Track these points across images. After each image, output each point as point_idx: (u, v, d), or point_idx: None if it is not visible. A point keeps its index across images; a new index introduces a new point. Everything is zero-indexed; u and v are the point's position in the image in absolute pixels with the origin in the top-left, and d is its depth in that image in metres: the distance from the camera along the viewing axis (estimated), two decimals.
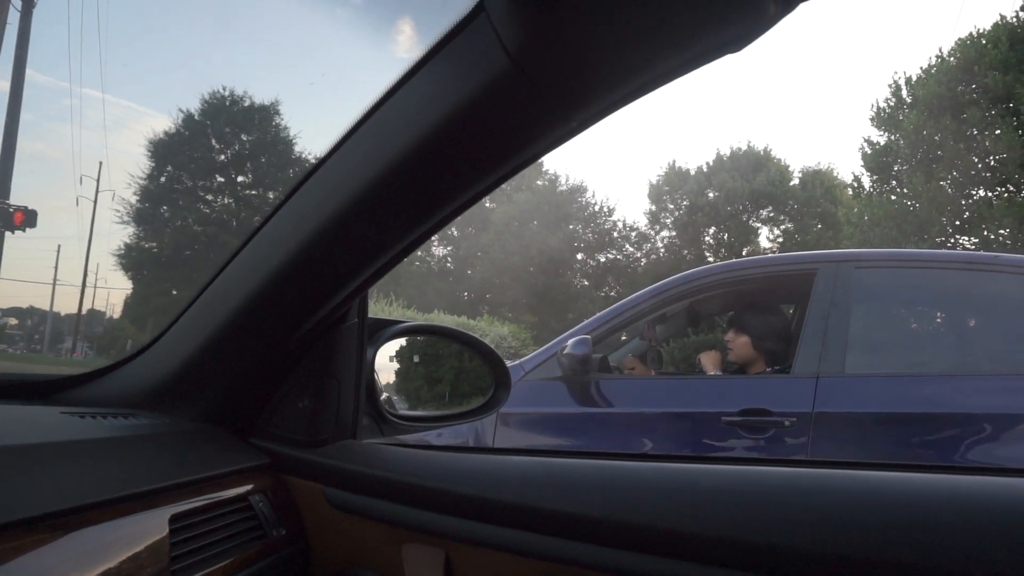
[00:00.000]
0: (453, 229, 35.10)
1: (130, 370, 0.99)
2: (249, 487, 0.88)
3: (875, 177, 20.69)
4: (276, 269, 0.84)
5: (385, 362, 1.13)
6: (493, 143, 0.69)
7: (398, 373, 1.22)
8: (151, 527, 0.70)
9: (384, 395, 1.13)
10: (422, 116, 0.68)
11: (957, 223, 18.49)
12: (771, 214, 33.09)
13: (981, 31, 17.85)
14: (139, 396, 0.95)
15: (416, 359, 1.28)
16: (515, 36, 0.58)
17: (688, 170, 34.19)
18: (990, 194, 17.85)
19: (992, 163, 17.43)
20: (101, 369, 1.01)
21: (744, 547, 0.68)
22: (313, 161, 0.81)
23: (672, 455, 0.83)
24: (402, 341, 1.19)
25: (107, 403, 0.95)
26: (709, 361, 3.38)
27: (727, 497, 0.72)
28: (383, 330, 1.07)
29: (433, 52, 0.65)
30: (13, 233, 12.17)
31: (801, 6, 0.56)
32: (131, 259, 32.55)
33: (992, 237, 17.42)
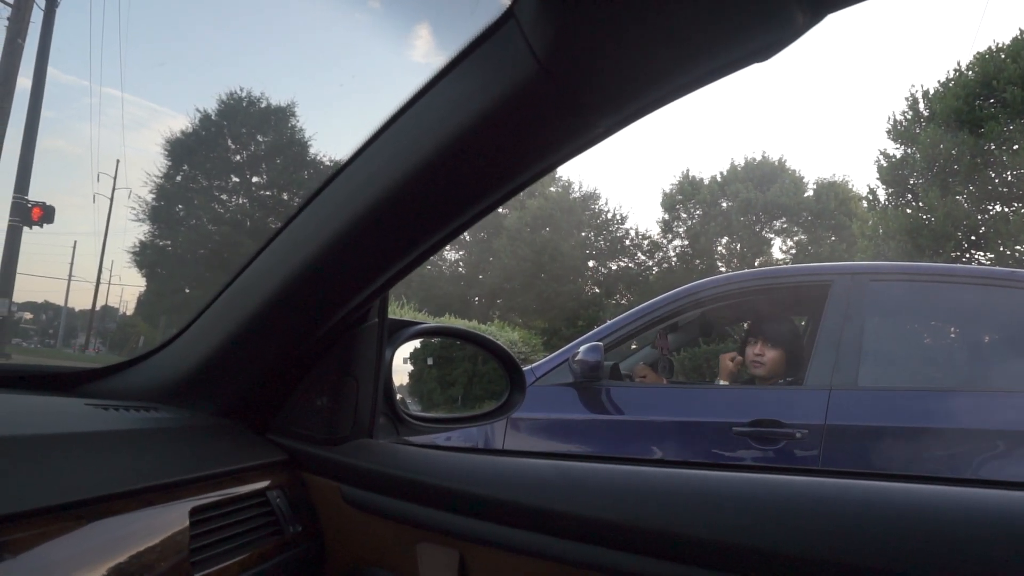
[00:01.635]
0: (465, 234, 35.06)
1: (152, 364, 1.00)
2: (267, 483, 0.88)
3: (890, 190, 20.53)
4: (299, 267, 0.85)
5: (399, 364, 1.14)
6: (519, 147, 0.70)
7: (411, 375, 1.23)
8: (172, 519, 0.71)
9: (398, 396, 1.13)
10: (449, 119, 0.69)
11: (973, 238, 18.32)
12: (784, 225, 32.92)
13: (1000, 45, 17.71)
14: (161, 390, 0.97)
15: (430, 362, 1.29)
16: (544, 41, 0.59)
17: (702, 179, 34.09)
18: (1007, 209, 17.68)
19: (1009, 178, 17.28)
20: (124, 363, 1.02)
21: (757, 554, 0.68)
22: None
23: (687, 461, 0.83)
24: (416, 343, 1.20)
25: (129, 396, 0.96)
26: (726, 367, 3.29)
27: (741, 504, 0.72)
28: (401, 331, 1.08)
29: (461, 57, 0.66)
30: (31, 228, 12.30)
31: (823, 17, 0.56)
32: (145, 257, 32.82)
33: (1008, 253, 17.24)
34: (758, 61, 0.59)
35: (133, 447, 0.76)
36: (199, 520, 0.74)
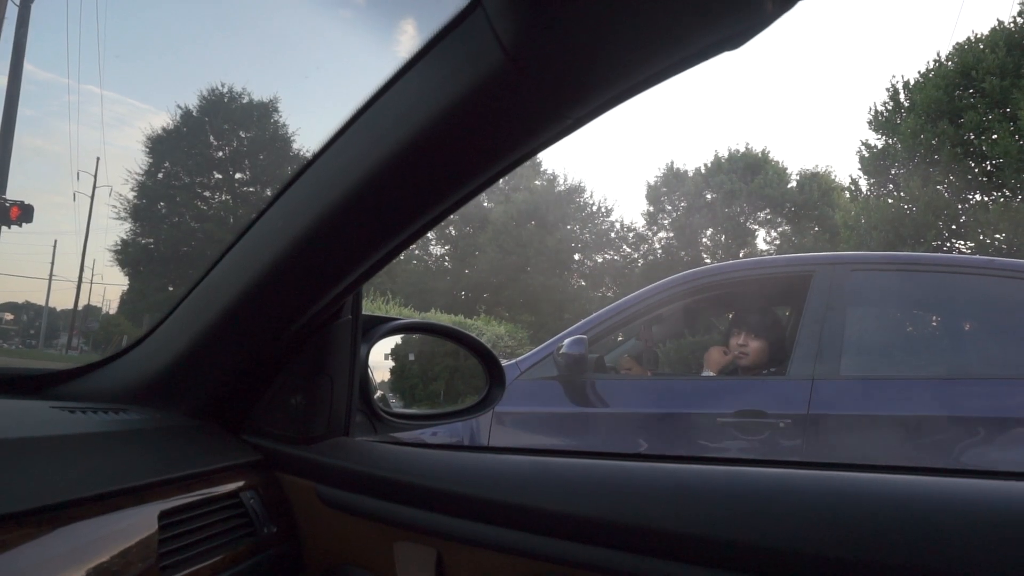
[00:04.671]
0: (451, 228, 35.10)
1: (121, 365, 0.98)
2: (240, 484, 0.87)
3: (872, 180, 20.71)
4: (269, 264, 0.83)
5: (380, 360, 1.13)
6: (488, 139, 0.69)
7: (393, 371, 1.22)
8: (140, 523, 0.69)
9: (379, 393, 1.12)
10: (417, 112, 0.67)
11: (953, 227, 18.53)
12: (768, 216, 33.14)
13: (979, 36, 17.89)
14: (130, 391, 0.95)
15: (411, 357, 1.28)
16: (511, 32, 0.58)
17: (686, 171, 34.25)
18: (986, 199, 17.89)
19: (989, 168, 17.47)
20: (92, 364, 1.00)
21: (739, 548, 0.68)
22: (309, 157, 0.81)
23: (667, 455, 0.82)
24: (397, 339, 1.19)
25: (98, 398, 0.94)
26: (712, 361, 3.30)
27: (722, 498, 0.72)
28: (377, 327, 1.07)
29: (428, 47, 0.65)
30: (9, 228, 12.13)
31: (799, 6, 0.56)
32: (128, 255, 32.54)
33: (988, 241, 17.45)
34: (729, 49, 0.58)
35: (100, 450, 0.75)
36: (169, 524, 0.72)
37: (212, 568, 0.76)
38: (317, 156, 0.79)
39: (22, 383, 0.98)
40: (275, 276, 0.84)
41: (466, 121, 0.66)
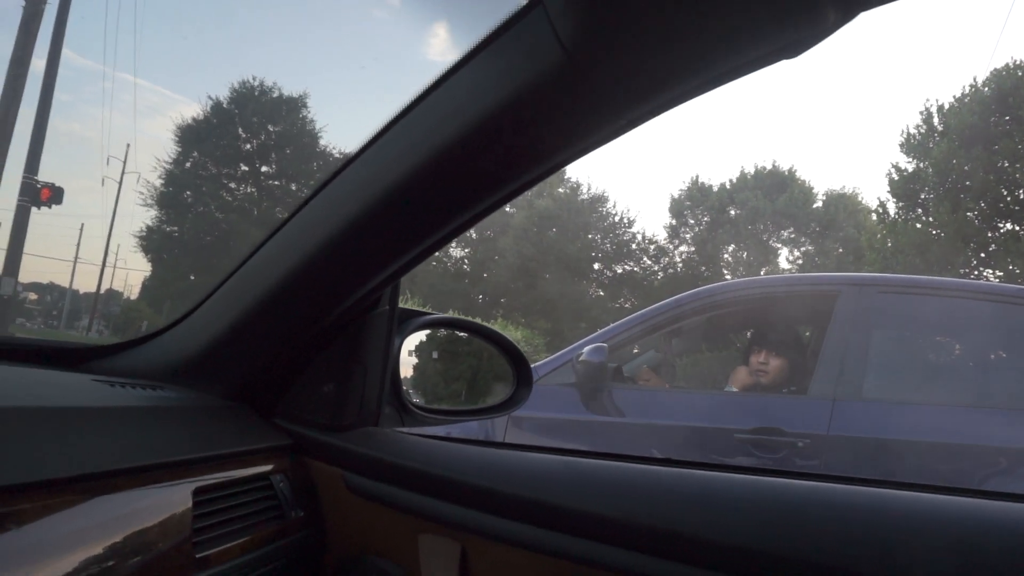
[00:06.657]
0: (472, 231, 35.15)
1: (160, 343, 1.00)
2: (271, 467, 0.88)
3: (901, 204, 20.48)
4: (313, 251, 0.84)
5: (404, 356, 1.13)
6: (541, 137, 0.69)
7: (416, 368, 1.23)
8: (176, 498, 0.71)
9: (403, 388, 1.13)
10: (470, 107, 0.68)
11: (982, 255, 18.26)
12: (792, 235, 32.86)
13: (1018, 62, 17.66)
14: (168, 369, 0.96)
15: (435, 355, 1.28)
16: (572, 30, 0.58)
17: (711, 186, 34.06)
18: (1018, 228, 17.62)
19: (1022, 196, 17.21)
20: (131, 341, 1.02)
21: (760, 557, 0.67)
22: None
23: (694, 462, 0.82)
24: (422, 336, 1.19)
25: (136, 375, 0.96)
26: (738, 379, 3.29)
27: (747, 506, 0.72)
28: (411, 320, 1.07)
29: (486, 43, 0.66)
30: (39, 209, 12.32)
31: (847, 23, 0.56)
32: (152, 241, 32.96)
33: (1018, 272, 17.17)
34: (786, 58, 0.58)
35: (138, 424, 0.76)
36: (202, 501, 0.74)
37: (241, 547, 0.77)
38: (366, 147, 0.79)
39: (65, 356, 1.00)
40: (318, 263, 0.85)
41: (521, 117, 0.66)
